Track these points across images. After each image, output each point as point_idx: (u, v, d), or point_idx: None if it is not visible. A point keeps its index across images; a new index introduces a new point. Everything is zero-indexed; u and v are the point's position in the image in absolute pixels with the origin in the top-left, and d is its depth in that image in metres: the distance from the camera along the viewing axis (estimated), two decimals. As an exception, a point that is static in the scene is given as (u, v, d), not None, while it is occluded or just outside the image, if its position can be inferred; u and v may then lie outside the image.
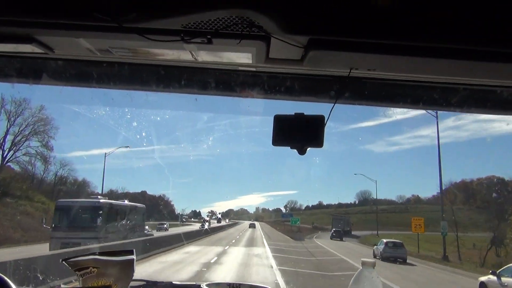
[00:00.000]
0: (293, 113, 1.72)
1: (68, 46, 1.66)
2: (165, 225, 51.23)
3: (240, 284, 1.91)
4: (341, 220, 61.71)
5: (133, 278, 2.00)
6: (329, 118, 1.72)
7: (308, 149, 1.73)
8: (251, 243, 38.58)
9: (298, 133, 1.71)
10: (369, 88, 1.95)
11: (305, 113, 1.71)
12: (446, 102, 2.02)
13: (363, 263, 1.67)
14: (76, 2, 1.40)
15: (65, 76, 2.04)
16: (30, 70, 2.04)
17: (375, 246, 32.14)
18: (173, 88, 2.03)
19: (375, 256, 28.98)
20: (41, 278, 10.75)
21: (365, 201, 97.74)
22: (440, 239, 34.88)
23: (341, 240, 48.26)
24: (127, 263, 1.94)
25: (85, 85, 2.13)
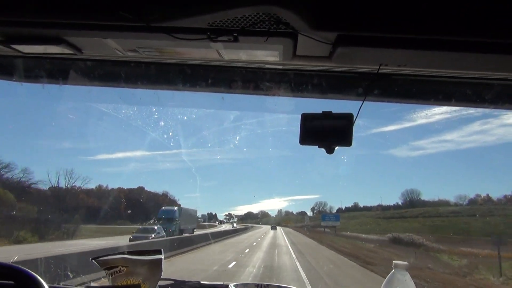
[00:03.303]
0: (321, 112, 1.71)
1: (96, 46, 1.70)
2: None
3: (268, 285, 1.92)
4: None
5: (162, 277, 2.05)
6: (358, 116, 1.71)
7: (336, 148, 1.73)
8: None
9: (326, 132, 1.70)
10: (399, 85, 1.93)
11: (333, 111, 1.71)
12: (479, 98, 1.97)
13: (396, 265, 1.65)
14: (104, 2, 1.43)
15: (94, 76, 2.09)
16: (59, 71, 2.11)
17: None
18: (200, 87, 2.06)
19: None
20: (71, 276, 11.06)
21: (411, 202, 78.88)
22: None
23: None
24: (156, 262, 1.98)
25: (113, 85, 2.18)
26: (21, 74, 2.12)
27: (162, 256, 1.99)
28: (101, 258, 1.95)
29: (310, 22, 1.39)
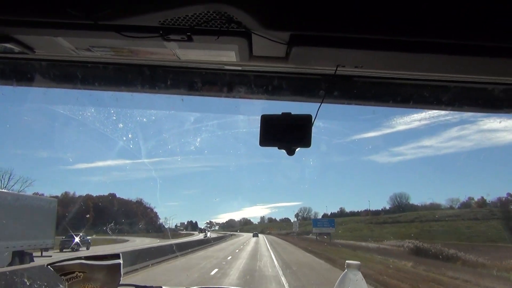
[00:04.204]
0: (280, 113, 1.74)
1: (48, 45, 1.68)
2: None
3: None
4: None
5: (121, 282, 2.02)
6: (317, 117, 1.74)
7: (297, 149, 1.75)
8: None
9: (286, 133, 1.72)
10: (358, 87, 1.96)
11: (292, 113, 1.74)
12: (436, 100, 2.03)
13: (348, 265, 1.67)
14: None
15: (49, 77, 2.05)
16: (13, 71, 2.06)
17: None
18: (159, 88, 2.05)
19: None
20: (28, 283, 10.72)
21: (401, 206, 75.05)
22: None
23: None
24: (114, 267, 1.96)
25: (70, 87, 2.15)
26: None
27: (120, 261, 1.97)
28: (57, 264, 1.91)
29: (262, 21, 1.41)
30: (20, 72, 2.06)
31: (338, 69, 1.71)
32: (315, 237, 52.30)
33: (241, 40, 1.54)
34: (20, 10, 1.43)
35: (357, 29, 1.44)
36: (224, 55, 1.70)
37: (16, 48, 1.65)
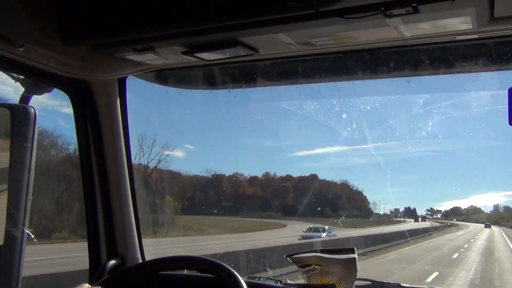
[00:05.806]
0: None
1: (270, 43, 1.73)
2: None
3: None
4: None
5: (358, 277, 2.01)
6: None
7: None
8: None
9: None
10: None
11: None
12: None
13: None
14: None
15: (273, 75, 2.18)
16: (241, 74, 2.25)
17: None
18: (381, 72, 1.96)
19: None
20: (270, 272, 11.84)
21: None
22: None
23: None
24: (350, 261, 1.96)
25: (291, 82, 2.24)
26: (209, 82, 2.34)
27: (355, 255, 1.96)
28: (295, 256, 2.02)
29: None
30: (247, 74, 2.24)
31: None
32: None
33: (480, 0, 1.30)
34: (241, 11, 1.48)
35: None
36: (458, 23, 1.47)
37: (242, 51, 1.77)
